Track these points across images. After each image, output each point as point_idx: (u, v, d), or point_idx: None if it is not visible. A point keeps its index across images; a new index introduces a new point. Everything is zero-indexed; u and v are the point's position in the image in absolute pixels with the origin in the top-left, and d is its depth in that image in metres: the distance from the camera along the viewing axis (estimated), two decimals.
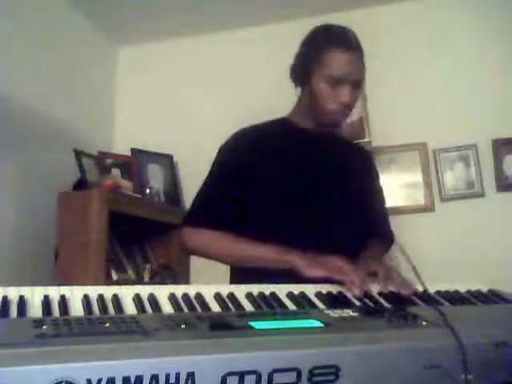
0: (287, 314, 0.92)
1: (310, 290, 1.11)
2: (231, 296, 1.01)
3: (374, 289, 1.17)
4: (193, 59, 3.25)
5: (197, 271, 2.88)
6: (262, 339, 0.74)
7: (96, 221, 2.42)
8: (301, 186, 1.44)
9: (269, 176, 1.43)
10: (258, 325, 0.78)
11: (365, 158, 1.70)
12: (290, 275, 1.22)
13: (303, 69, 1.45)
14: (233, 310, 0.96)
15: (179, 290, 1.00)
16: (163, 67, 3.29)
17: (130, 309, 0.90)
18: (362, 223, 1.49)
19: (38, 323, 0.71)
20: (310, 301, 1.05)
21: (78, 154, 2.65)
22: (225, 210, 1.42)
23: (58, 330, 0.69)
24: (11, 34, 2.51)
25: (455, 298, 1.14)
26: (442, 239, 2.68)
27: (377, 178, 1.69)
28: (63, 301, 0.88)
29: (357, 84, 1.43)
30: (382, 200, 1.67)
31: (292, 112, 1.57)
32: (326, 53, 1.39)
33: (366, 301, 1.09)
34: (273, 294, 1.05)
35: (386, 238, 1.61)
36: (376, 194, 1.65)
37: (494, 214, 2.66)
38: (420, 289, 1.14)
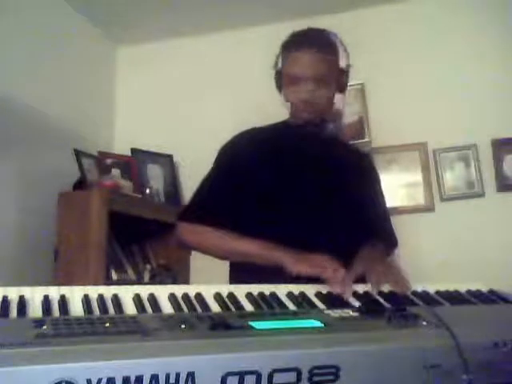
0: (287, 314, 0.92)
1: (310, 290, 1.11)
2: (231, 296, 1.00)
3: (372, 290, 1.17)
4: (193, 59, 3.25)
5: (197, 271, 2.88)
6: (261, 339, 0.75)
7: (96, 221, 2.42)
8: (299, 188, 1.45)
9: (267, 177, 1.44)
10: (258, 325, 0.78)
11: (364, 159, 1.70)
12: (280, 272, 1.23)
13: (278, 75, 1.53)
14: (233, 310, 0.96)
15: (179, 289, 1.00)
16: (163, 67, 3.29)
17: (130, 309, 0.90)
18: (362, 224, 1.49)
19: (38, 323, 0.71)
20: (309, 301, 1.05)
21: (78, 154, 2.65)
22: (221, 209, 1.44)
23: (58, 330, 0.69)
24: (11, 35, 2.51)
25: (455, 298, 1.14)
26: (441, 239, 2.68)
27: (377, 179, 1.68)
28: (63, 301, 0.88)
29: (321, 82, 1.45)
30: (382, 202, 1.66)
31: (290, 115, 1.58)
32: (285, 56, 1.49)
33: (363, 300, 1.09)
34: (273, 294, 1.05)
35: (389, 240, 1.61)
36: (376, 195, 1.64)
37: (494, 213, 2.65)
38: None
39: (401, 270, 1.25)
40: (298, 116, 1.50)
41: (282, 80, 1.50)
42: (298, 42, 1.48)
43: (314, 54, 1.44)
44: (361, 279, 1.23)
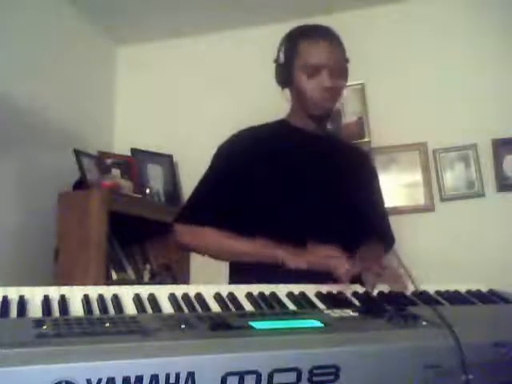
0: (287, 314, 0.92)
1: (310, 289, 1.11)
2: (231, 296, 1.00)
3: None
4: (193, 59, 3.25)
5: (197, 271, 2.88)
6: (262, 339, 0.74)
7: (96, 221, 2.42)
8: (297, 187, 1.45)
9: (265, 177, 1.44)
10: (257, 325, 0.78)
11: (363, 159, 1.70)
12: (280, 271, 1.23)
13: (284, 69, 1.49)
14: (233, 309, 0.96)
15: (179, 289, 1.00)
16: (163, 67, 3.29)
17: (130, 309, 0.90)
18: (360, 224, 1.48)
19: (38, 323, 0.71)
20: (309, 301, 1.05)
21: (78, 154, 2.65)
22: (219, 210, 1.43)
23: (58, 330, 0.69)
24: (11, 34, 2.51)
25: (455, 298, 1.14)
26: (441, 239, 2.68)
27: (375, 179, 1.68)
28: (63, 301, 0.88)
29: (337, 71, 1.45)
30: (381, 201, 1.66)
31: (289, 114, 1.58)
32: (300, 46, 1.45)
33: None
34: (273, 294, 1.05)
35: (386, 239, 1.61)
36: (374, 194, 1.64)
37: (494, 214, 2.66)
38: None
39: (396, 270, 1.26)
40: (314, 107, 1.47)
41: (294, 72, 1.46)
42: (312, 31, 1.47)
43: (331, 43, 1.45)
44: (358, 280, 1.23)
